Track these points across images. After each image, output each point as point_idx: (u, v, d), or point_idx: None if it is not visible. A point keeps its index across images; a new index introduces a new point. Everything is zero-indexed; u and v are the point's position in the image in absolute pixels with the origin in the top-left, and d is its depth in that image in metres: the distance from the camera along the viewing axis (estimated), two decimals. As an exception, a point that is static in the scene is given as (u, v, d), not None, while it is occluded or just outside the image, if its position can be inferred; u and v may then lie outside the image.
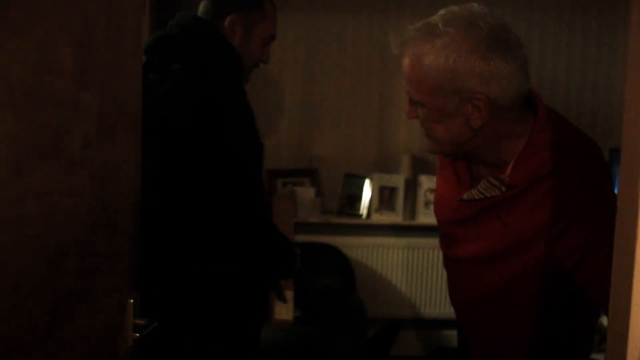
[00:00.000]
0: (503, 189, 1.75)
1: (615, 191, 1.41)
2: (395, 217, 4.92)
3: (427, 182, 4.88)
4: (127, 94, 1.85)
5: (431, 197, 4.87)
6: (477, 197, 1.79)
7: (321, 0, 4.95)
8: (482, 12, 1.66)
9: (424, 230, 4.89)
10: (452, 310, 2.10)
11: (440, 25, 1.67)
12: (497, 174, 1.77)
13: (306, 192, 4.87)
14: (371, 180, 4.94)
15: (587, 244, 1.61)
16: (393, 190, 4.92)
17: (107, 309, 1.79)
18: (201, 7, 2.49)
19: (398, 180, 4.91)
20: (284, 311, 2.52)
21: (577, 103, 4.89)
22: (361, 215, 4.96)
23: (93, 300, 1.71)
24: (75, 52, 1.58)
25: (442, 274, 4.62)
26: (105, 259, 1.77)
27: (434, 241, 2.20)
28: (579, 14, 4.92)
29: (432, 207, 4.78)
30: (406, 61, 1.73)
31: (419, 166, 4.99)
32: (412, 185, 4.95)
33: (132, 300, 1.88)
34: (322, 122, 5.03)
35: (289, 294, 2.54)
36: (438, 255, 4.77)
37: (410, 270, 4.92)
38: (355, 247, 4.91)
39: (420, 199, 4.90)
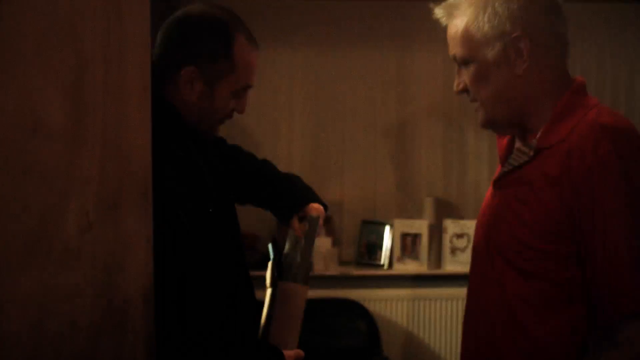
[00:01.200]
0: (531, 153, 1.78)
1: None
2: (419, 266, 4.62)
3: (453, 227, 4.56)
4: (133, 153, 1.47)
5: (458, 243, 4.56)
6: (507, 169, 1.83)
7: (332, 36, 4.72)
8: None
9: (451, 280, 4.59)
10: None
11: None
12: (529, 141, 1.82)
13: (322, 242, 4.55)
14: (392, 226, 4.69)
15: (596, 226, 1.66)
16: (416, 236, 4.63)
17: None
18: (156, 48, 1.98)
19: (421, 226, 4.63)
20: None
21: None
22: (382, 265, 4.69)
23: None
24: (66, 106, 1.19)
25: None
26: (113, 369, 1.37)
27: (463, 291, 1.99)
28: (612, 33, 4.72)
29: (459, 254, 4.60)
30: (451, 26, 1.83)
31: (444, 210, 4.72)
32: (436, 231, 4.67)
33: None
34: (336, 164, 4.77)
35: None
36: (469, 307, 4.40)
37: (439, 324, 4.59)
38: (378, 300, 4.60)
39: (446, 245, 4.59)
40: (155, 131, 1.85)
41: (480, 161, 4.68)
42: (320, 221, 2.22)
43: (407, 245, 4.63)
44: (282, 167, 4.62)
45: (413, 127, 4.74)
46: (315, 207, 2.23)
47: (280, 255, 2.12)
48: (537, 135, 1.79)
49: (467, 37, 1.79)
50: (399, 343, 4.58)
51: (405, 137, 4.76)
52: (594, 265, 1.66)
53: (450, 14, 1.83)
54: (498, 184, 1.86)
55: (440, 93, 4.66)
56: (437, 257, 4.67)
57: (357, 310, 4.50)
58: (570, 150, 1.69)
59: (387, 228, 4.68)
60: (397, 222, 4.65)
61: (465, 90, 1.85)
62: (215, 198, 1.99)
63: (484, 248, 1.84)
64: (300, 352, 2.04)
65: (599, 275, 1.65)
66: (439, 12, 1.85)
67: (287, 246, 2.14)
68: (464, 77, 1.84)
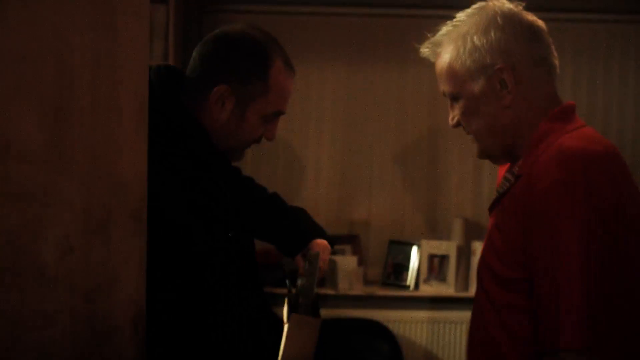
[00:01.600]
0: (512, 180, 1.78)
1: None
2: (446, 289, 4.52)
3: (481, 249, 4.41)
4: (125, 176, 1.40)
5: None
6: (495, 197, 1.85)
7: (362, 53, 4.65)
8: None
9: (479, 303, 4.42)
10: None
11: (454, 19, 1.85)
12: (514, 168, 1.82)
13: (347, 261, 4.51)
14: (419, 247, 4.59)
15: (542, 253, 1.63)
16: (444, 258, 4.53)
17: None
18: (191, 61, 1.97)
19: (449, 247, 4.53)
20: None
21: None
22: (408, 287, 4.58)
23: None
24: (45, 124, 1.13)
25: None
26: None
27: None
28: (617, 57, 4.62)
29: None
30: (437, 63, 1.86)
31: (473, 231, 4.61)
32: (464, 253, 4.57)
33: None
34: (364, 182, 4.70)
35: None
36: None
37: (463, 348, 4.44)
38: (403, 322, 4.52)
39: (474, 268, 4.44)
40: (181, 149, 1.86)
41: (512, 182, 4.59)
42: (325, 256, 2.17)
43: (434, 266, 4.53)
44: (310, 185, 4.63)
45: (444, 145, 4.66)
46: (319, 243, 2.19)
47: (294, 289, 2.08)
48: (519, 163, 1.79)
49: (451, 73, 1.82)
50: (423, 363, 4.50)
51: (436, 156, 4.68)
52: (537, 294, 1.63)
53: (434, 52, 1.87)
54: (490, 210, 1.85)
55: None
56: (464, 280, 4.56)
57: (381, 331, 4.44)
58: (530, 175, 1.67)
59: (415, 248, 4.59)
60: (425, 243, 4.55)
61: (459, 124, 1.87)
62: (234, 222, 1.96)
63: (477, 270, 1.84)
64: None
65: (537, 305, 1.63)
66: (424, 51, 1.89)
67: (299, 281, 2.10)
68: (457, 111, 1.86)
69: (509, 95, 1.77)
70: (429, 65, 4.30)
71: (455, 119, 1.87)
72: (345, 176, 4.68)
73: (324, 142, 4.66)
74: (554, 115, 1.77)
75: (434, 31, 1.89)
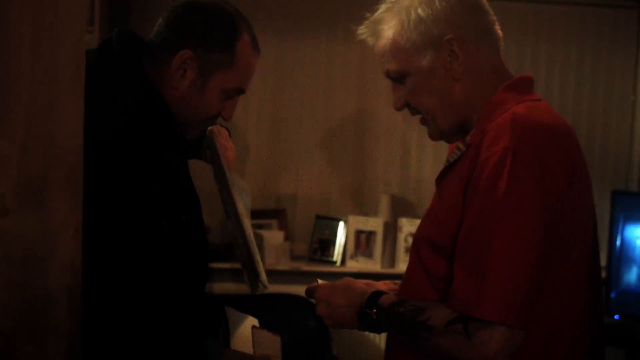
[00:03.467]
0: (464, 149, 1.71)
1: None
2: (372, 265, 4.51)
3: (409, 226, 4.47)
4: (61, 137, 1.33)
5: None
6: (444, 166, 1.77)
7: (292, 25, 4.59)
8: None
9: (405, 279, 4.44)
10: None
11: None
12: (466, 138, 1.75)
13: (274, 236, 4.48)
14: (346, 223, 4.58)
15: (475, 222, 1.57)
16: (370, 234, 4.53)
17: None
18: (156, 27, 1.89)
19: (376, 224, 4.52)
20: None
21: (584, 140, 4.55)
22: (335, 262, 4.57)
23: None
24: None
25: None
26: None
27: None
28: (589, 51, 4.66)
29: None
30: (379, 42, 1.78)
31: (400, 208, 4.62)
32: (391, 229, 4.57)
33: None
34: (291, 157, 4.66)
35: None
36: (421, 308, 4.34)
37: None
38: (329, 297, 4.43)
39: (401, 244, 4.51)
40: (140, 120, 1.77)
41: (439, 160, 4.57)
42: (224, 141, 2.19)
43: (361, 242, 4.53)
44: (237, 157, 4.54)
45: (371, 122, 4.64)
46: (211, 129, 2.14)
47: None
48: (471, 132, 1.73)
49: (396, 49, 1.74)
50: (348, 342, 4.49)
51: (364, 132, 4.66)
52: (464, 258, 1.57)
53: (374, 30, 1.79)
54: (437, 181, 1.80)
55: (400, 89, 4.57)
56: (391, 256, 4.57)
57: (308, 307, 4.30)
58: (479, 143, 1.62)
59: (342, 224, 4.57)
60: (352, 219, 4.54)
61: (404, 105, 1.81)
62: (188, 204, 1.90)
63: (413, 241, 1.80)
64: None
65: (457, 271, 1.58)
66: (362, 31, 1.81)
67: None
68: (402, 92, 1.79)
69: (459, 67, 1.71)
70: (358, 41, 4.31)
71: (401, 100, 1.80)
72: (273, 150, 4.63)
73: (251, 116, 4.58)
74: (509, 85, 1.72)
75: (373, 10, 1.81)
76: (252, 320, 2.16)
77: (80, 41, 1.38)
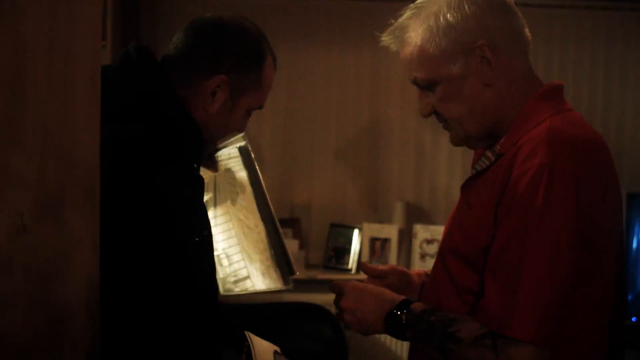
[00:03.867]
0: (492, 159, 1.69)
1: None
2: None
3: (423, 232, 4.46)
4: (79, 153, 1.34)
5: (427, 248, 4.46)
6: (471, 174, 1.75)
7: (305, 35, 4.59)
8: None
9: (420, 286, 4.42)
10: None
11: (416, 1, 1.73)
12: (495, 147, 1.73)
13: (288, 245, 4.31)
14: (361, 230, 4.58)
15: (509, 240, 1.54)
16: (385, 241, 4.53)
17: None
18: (179, 44, 1.87)
19: (391, 231, 4.52)
20: None
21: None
22: (350, 270, 4.55)
23: None
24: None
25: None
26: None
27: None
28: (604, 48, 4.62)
29: (428, 259, 4.51)
30: (405, 50, 1.73)
31: (414, 215, 4.61)
32: (406, 236, 4.58)
33: None
34: (304, 165, 4.65)
35: None
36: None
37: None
38: (344, 306, 4.42)
39: (416, 251, 4.50)
40: (174, 139, 1.76)
41: (453, 166, 4.59)
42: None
43: (376, 249, 4.53)
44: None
45: (385, 129, 4.63)
46: None
47: None
48: (501, 141, 1.70)
49: (425, 57, 1.69)
50: (366, 351, 4.46)
51: (377, 139, 4.64)
52: (496, 276, 1.55)
53: (400, 38, 1.73)
54: (462, 188, 1.77)
55: (413, 96, 4.51)
56: (406, 263, 4.56)
57: (323, 316, 4.35)
58: (514, 156, 1.58)
59: (356, 232, 4.56)
60: (367, 226, 4.54)
61: (432, 112, 1.77)
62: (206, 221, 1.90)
63: (439, 250, 1.79)
64: None
65: (488, 286, 1.56)
66: (387, 39, 1.76)
67: None
68: (430, 99, 1.75)
69: (491, 73, 1.67)
70: (371, 48, 4.29)
71: (429, 107, 1.76)
72: (286, 159, 4.62)
73: (265, 125, 4.58)
74: (542, 94, 1.68)
75: (397, 16, 1.75)
76: (273, 347, 2.17)
77: (95, 56, 1.39)
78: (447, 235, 1.75)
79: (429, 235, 4.46)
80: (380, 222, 4.60)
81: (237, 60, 1.85)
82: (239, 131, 1.98)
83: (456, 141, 1.79)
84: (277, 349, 2.14)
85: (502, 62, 1.67)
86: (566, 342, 1.54)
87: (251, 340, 2.06)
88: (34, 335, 1.20)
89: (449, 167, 4.59)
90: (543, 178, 1.50)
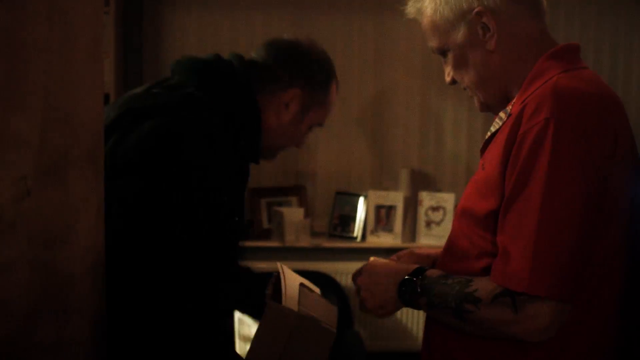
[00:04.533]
0: (505, 119, 1.68)
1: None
2: (393, 239, 4.49)
3: (429, 200, 4.45)
4: (81, 115, 1.32)
5: (433, 216, 4.45)
6: (487, 136, 1.73)
7: (309, 2, 4.55)
8: None
9: (426, 253, 4.42)
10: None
11: None
12: (507, 107, 1.72)
13: (294, 213, 4.44)
14: (366, 198, 4.56)
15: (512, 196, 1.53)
16: (390, 209, 4.50)
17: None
18: (259, 58, 2.07)
19: (396, 198, 4.50)
20: None
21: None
22: (355, 238, 4.55)
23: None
24: (-1, 58, 1.05)
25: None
26: (53, 353, 1.24)
27: (437, 265, 1.94)
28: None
29: (434, 227, 4.50)
30: (422, 20, 1.79)
31: (420, 182, 4.59)
32: (411, 203, 4.55)
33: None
34: (310, 133, 4.53)
35: None
36: (443, 282, 4.32)
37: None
38: (349, 273, 4.37)
39: (421, 218, 4.48)
40: (238, 136, 1.93)
41: (459, 133, 4.57)
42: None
43: (382, 217, 4.51)
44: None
45: (390, 97, 4.60)
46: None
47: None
48: (513, 102, 1.69)
49: (434, 26, 1.76)
50: (370, 318, 4.38)
51: (382, 107, 4.62)
52: (506, 231, 1.53)
53: (417, 9, 1.80)
54: (481, 151, 1.75)
55: (419, 63, 4.53)
56: (411, 230, 4.55)
57: (329, 283, 4.36)
58: (520, 114, 1.57)
59: (361, 200, 4.55)
60: (372, 194, 4.52)
61: (453, 80, 1.80)
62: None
63: (456, 213, 1.76)
64: None
65: (501, 245, 1.54)
66: (409, 10, 1.82)
67: None
68: (448, 67, 1.80)
69: (492, 38, 1.69)
70: (376, 15, 4.27)
71: (449, 75, 1.80)
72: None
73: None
74: (552, 53, 1.67)
75: None
76: (300, 279, 2.18)
77: (97, 18, 1.37)
78: (464, 197, 1.74)
79: (435, 203, 4.45)
80: (386, 189, 4.58)
81: (311, 78, 2.07)
82: (298, 145, 2.17)
83: (480, 107, 1.81)
84: (304, 281, 2.17)
85: (504, 27, 1.69)
86: (584, 298, 1.53)
87: (283, 271, 2.10)
88: (38, 300, 1.19)
89: (454, 133, 4.56)
90: (549, 132, 1.48)
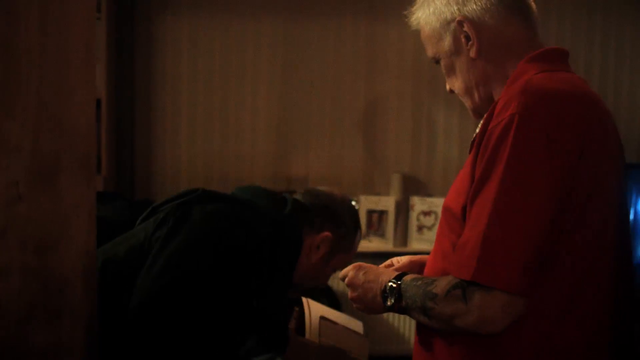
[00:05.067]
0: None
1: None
2: (385, 244, 4.51)
3: (420, 204, 4.45)
4: (73, 121, 1.32)
5: (425, 220, 4.46)
6: (473, 137, 1.71)
7: (300, 7, 4.56)
8: None
9: (417, 258, 4.41)
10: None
11: None
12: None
13: None
14: (357, 203, 4.56)
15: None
16: (382, 213, 4.52)
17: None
18: (298, 199, 2.31)
19: (388, 203, 4.52)
20: None
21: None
22: (347, 242, 4.46)
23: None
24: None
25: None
26: (48, 352, 1.24)
27: (429, 270, 2.01)
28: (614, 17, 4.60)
29: (425, 231, 4.50)
30: (420, 29, 1.83)
31: (411, 187, 4.61)
32: (403, 208, 4.56)
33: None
34: (301, 138, 4.63)
35: None
36: (434, 286, 4.30)
37: (404, 303, 4.43)
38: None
39: (413, 223, 4.49)
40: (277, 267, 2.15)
41: (450, 138, 4.57)
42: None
43: (373, 222, 4.51)
44: (247, 140, 4.56)
45: (382, 101, 4.60)
46: None
47: None
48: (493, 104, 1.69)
49: (426, 37, 1.82)
50: (365, 323, 4.42)
51: (374, 111, 4.62)
52: (468, 222, 1.53)
53: (414, 20, 1.85)
54: (469, 152, 1.73)
55: (410, 68, 4.53)
56: (403, 235, 4.56)
57: (321, 289, 4.27)
58: (492, 112, 1.57)
59: (353, 204, 4.52)
60: (364, 199, 4.53)
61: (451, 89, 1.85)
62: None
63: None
64: None
65: (463, 236, 1.52)
66: (411, 22, 1.87)
67: None
68: (445, 73, 1.83)
69: (473, 47, 1.72)
70: (368, 19, 4.29)
71: (448, 85, 1.83)
72: (283, 132, 4.59)
73: (261, 97, 4.56)
74: (534, 56, 1.69)
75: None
76: (320, 311, 2.31)
77: (89, 24, 1.38)
78: (446, 197, 1.74)
79: (426, 207, 4.45)
80: (377, 194, 4.58)
81: (341, 225, 2.30)
82: (323, 284, 2.39)
83: (472, 114, 1.82)
84: (327, 311, 2.29)
85: (487, 35, 1.72)
86: (552, 297, 1.52)
87: (308, 304, 2.21)
88: (31, 305, 1.19)
89: (446, 139, 4.57)
90: (512, 127, 1.48)
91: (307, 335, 2.20)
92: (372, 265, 1.81)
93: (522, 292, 1.46)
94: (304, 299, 2.34)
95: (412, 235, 4.49)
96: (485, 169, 1.51)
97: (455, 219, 1.60)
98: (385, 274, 1.72)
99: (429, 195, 4.54)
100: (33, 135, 1.20)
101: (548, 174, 1.47)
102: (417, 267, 1.90)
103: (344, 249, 2.32)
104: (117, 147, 4.42)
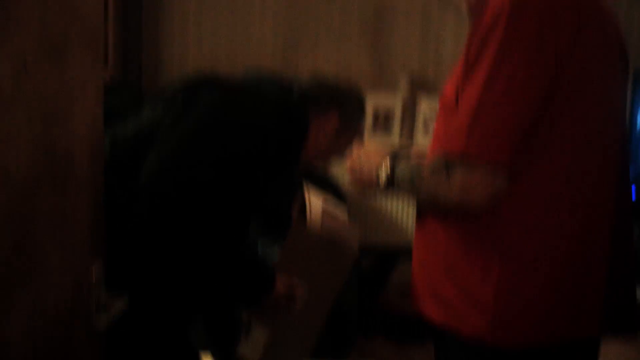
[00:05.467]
0: None
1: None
2: (391, 140, 4.53)
3: (427, 102, 4.44)
4: (82, 6, 1.34)
5: (431, 116, 4.46)
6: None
7: None
8: None
9: (423, 155, 4.45)
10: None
11: None
12: None
13: None
14: (365, 100, 4.46)
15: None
16: (389, 110, 4.52)
17: (59, 284, 1.33)
18: (309, 82, 2.36)
19: (395, 100, 4.52)
20: (247, 349, 2.13)
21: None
22: (353, 139, 4.49)
23: (38, 278, 1.25)
24: None
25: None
26: (54, 221, 1.30)
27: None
28: None
29: (431, 130, 4.50)
30: None
31: (418, 85, 4.59)
32: (410, 106, 4.57)
33: (93, 270, 1.43)
34: (308, 35, 4.60)
35: (260, 332, 2.14)
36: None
37: (408, 199, 4.49)
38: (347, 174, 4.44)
39: (420, 120, 4.49)
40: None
41: (460, 36, 4.54)
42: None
43: (380, 118, 4.53)
44: (255, 40, 4.54)
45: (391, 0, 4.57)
46: None
47: None
48: None
49: None
50: (365, 214, 4.54)
51: (382, 9, 4.58)
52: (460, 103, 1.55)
53: None
54: None
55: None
56: (409, 132, 4.58)
57: (325, 184, 4.31)
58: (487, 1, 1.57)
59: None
60: (371, 96, 4.52)
61: None
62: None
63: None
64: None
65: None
66: None
67: None
68: None
69: None
70: None
71: None
72: (291, 31, 4.57)
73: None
74: None
75: None
76: (326, 201, 2.35)
77: None
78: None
79: (435, 105, 4.45)
80: (385, 91, 4.58)
81: (348, 108, 2.34)
82: (330, 160, 2.44)
83: (466, 15, 1.79)
84: (327, 201, 2.33)
85: None
86: (541, 185, 1.54)
87: (308, 191, 2.27)
88: (38, 175, 1.23)
89: (455, 36, 4.54)
90: (504, 11, 1.49)
91: (308, 222, 2.25)
92: (373, 145, 1.86)
93: (504, 166, 1.49)
94: (305, 187, 2.39)
95: (419, 132, 4.53)
96: (475, 52, 1.52)
97: (450, 105, 1.62)
98: (385, 149, 1.78)
99: (436, 93, 4.54)
100: (42, 8, 1.22)
101: (541, 57, 1.48)
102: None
103: (351, 127, 2.36)
104: (125, 37, 4.41)
